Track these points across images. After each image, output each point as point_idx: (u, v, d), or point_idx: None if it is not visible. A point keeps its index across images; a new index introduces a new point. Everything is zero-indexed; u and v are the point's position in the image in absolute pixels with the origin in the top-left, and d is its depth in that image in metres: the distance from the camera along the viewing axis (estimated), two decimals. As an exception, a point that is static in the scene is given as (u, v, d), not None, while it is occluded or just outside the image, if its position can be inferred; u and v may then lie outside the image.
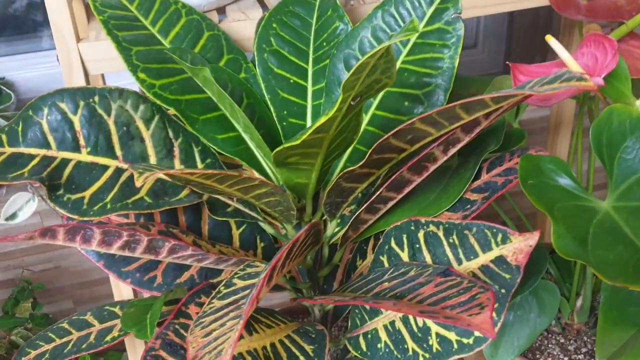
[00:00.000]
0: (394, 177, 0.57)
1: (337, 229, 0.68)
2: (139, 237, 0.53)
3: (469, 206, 0.64)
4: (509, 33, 1.32)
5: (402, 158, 0.57)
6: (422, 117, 0.48)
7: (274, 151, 0.50)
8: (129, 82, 0.66)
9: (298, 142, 0.47)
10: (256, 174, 0.67)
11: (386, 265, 0.63)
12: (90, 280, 1.14)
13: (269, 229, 0.68)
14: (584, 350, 0.76)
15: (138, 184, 0.46)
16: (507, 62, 0.63)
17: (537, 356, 0.76)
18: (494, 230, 0.54)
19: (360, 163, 0.53)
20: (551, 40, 0.60)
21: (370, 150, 0.51)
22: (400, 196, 0.63)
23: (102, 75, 0.86)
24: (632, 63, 0.67)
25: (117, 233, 0.52)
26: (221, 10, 0.77)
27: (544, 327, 0.74)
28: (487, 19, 1.30)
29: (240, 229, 0.69)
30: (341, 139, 0.55)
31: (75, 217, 0.57)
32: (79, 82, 0.71)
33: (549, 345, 0.78)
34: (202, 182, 0.52)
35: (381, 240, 0.63)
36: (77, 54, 0.69)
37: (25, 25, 1.08)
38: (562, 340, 0.78)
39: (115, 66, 0.72)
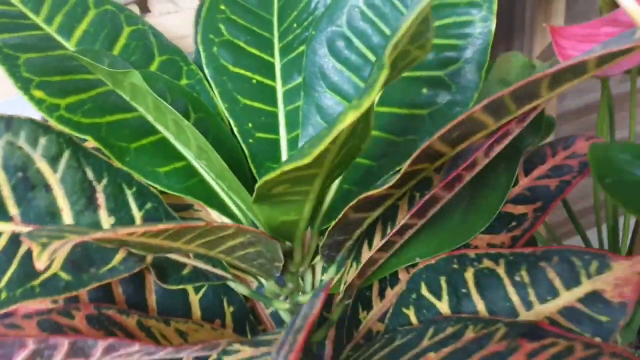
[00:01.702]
0: (425, 198, 0.39)
1: (335, 276, 0.50)
2: (54, 341, 0.34)
3: (514, 223, 0.47)
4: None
5: (435, 169, 0.40)
6: (489, 102, 0.31)
7: (262, 180, 0.31)
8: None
9: (309, 160, 0.28)
10: (220, 216, 0.49)
11: (413, 320, 0.45)
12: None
13: (241, 289, 0.49)
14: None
15: (40, 265, 0.27)
16: (544, 24, 0.47)
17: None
18: (586, 257, 0.37)
19: (391, 183, 0.35)
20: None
21: (409, 162, 0.34)
22: (421, 222, 0.46)
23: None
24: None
25: (17, 343, 0.33)
26: (143, 7, 0.58)
27: None
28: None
29: (201, 293, 0.49)
30: (346, 150, 0.37)
31: (-48, 319, 0.36)
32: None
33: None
34: (146, 242, 0.33)
35: (404, 288, 0.45)
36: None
37: None
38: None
39: (4, 88, 0.52)
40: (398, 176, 0.35)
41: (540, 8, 0.91)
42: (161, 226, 0.29)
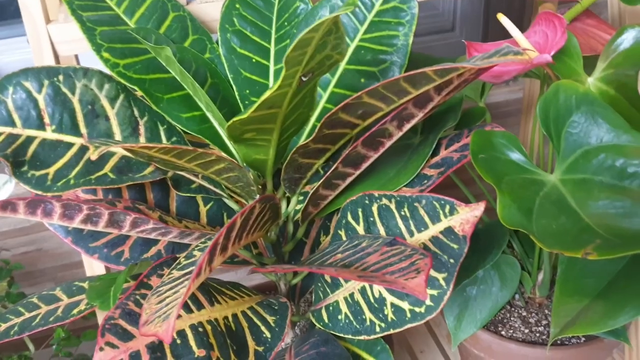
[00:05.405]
0: (348, 151, 0.59)
1: (298, 206, 0.70)
2: (100, 210, 0.55)
3: (425, 181, 0.66)
4: (485, 16, 1.33)
5: (357, 134, 0.59)
6: (368, 91, 0.50)
7: (227, 125, 0.51)
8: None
9: (245, 116, 0.49)
10: (222, 153, 0.69)
11: (344, 239, 0.65)
12: (71, 263, 1.16)
13: (234, 206, 0.70)
14: (544, 322, 0.79)
15: (93, 157, 0.48)
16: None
17: (500, 328, 0.78)
18: (442, 202, 0.56)
19: (312, 137, 0.54)
20: (502, 18, 0.62)
21: (320, 124, 0.53)
22: (358, 172, 0.65)
23: (76, 56, 0.87)
24: (585, 41, 0.69)
25: (77, 207, 0.54)
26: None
27: (505, 300, 0.76)
28: (464, 3, 1.32)
29: (208, 206, 0.71)
30: (296, 115, 0.57)
31: (39, 192, 0.59)
32: (49, 63, 0.73)
33: (511, 318, 0.80)
34: (161, 157, 0.54)
35: (339, 215, 0.65)
36: (46, 35, 0.71)
37: (7, 11, 1.10)
38: (524, 314, 0.80)
39: (86, 47, 0.73)
40: (313, 135, 0.54)
41: None
42: (163, 145, 0.50)
